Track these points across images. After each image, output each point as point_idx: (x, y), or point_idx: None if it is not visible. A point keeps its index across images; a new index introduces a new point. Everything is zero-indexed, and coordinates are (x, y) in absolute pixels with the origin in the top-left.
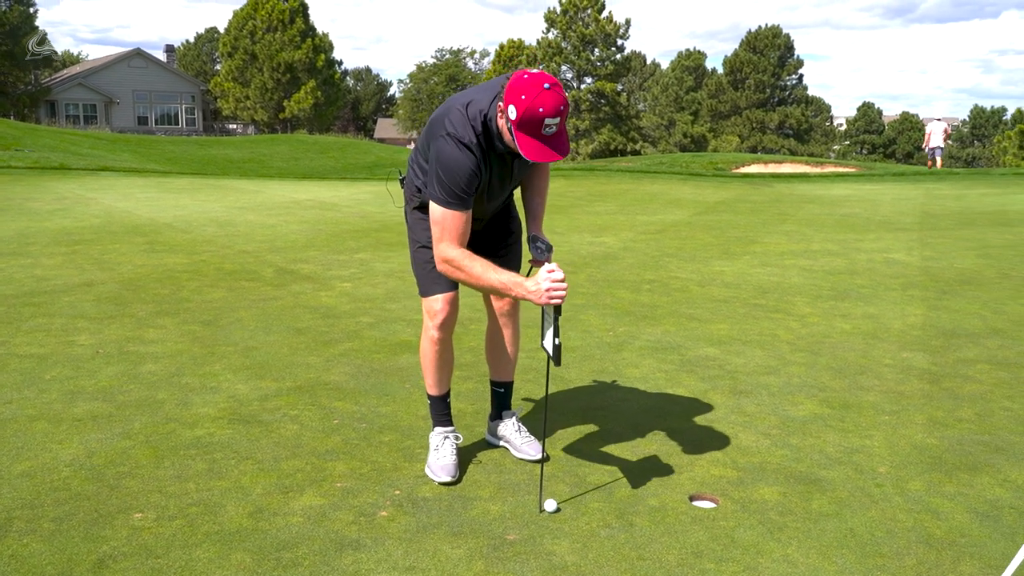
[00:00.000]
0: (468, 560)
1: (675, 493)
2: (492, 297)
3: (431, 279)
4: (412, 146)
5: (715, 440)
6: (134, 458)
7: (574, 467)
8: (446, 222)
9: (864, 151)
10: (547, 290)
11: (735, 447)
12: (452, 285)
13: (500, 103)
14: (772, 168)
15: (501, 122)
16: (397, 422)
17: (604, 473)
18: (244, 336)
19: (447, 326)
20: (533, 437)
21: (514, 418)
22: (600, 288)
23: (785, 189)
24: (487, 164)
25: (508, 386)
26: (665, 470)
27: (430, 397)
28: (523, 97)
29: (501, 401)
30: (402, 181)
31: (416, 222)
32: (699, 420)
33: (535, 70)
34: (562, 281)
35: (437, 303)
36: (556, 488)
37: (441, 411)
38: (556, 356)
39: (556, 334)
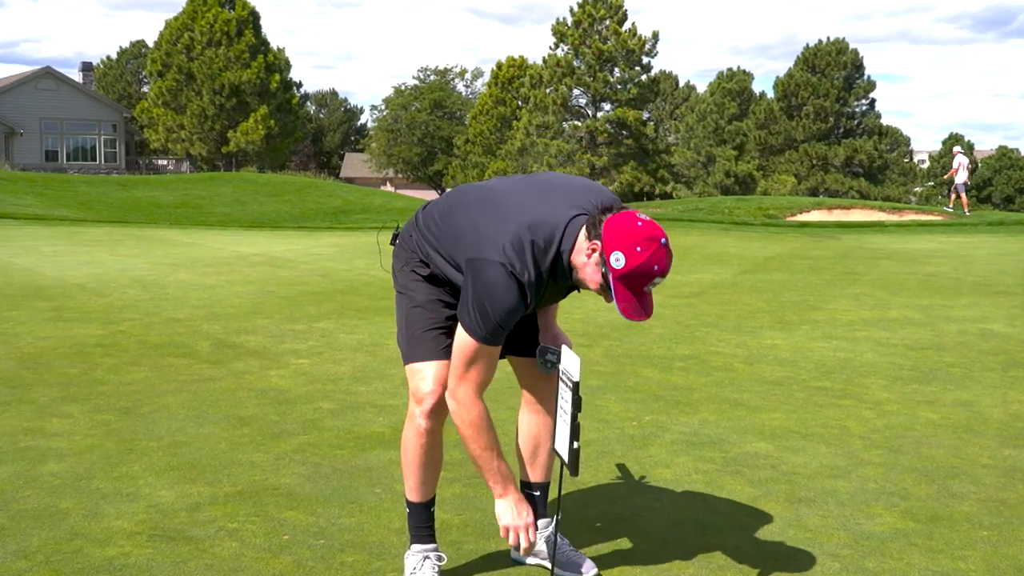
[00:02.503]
0: None
1: None
2: (525, 372)
3: (420, 342)
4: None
5: (768, 563)
6: None
7: None
8: (477, 357)
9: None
10: (507, 526)
11: (794, 572)
12: (447, 353)
13: (594, 242)
14: (837, 215)
15: (584, 259)
16: (363, 538)
17: None
18: (171, 428)
19: (438, 413)
20: (579, 551)
21: (552, 527)
22: (621, 366)
23: (854, 242)
24: (537, 296)
25: (545, 488)
26: None
27: (410, 505)
28: (638, 249)
29: (535, 507)
30: (394, 239)
31: (415, 282)
32: (747, 537)
33: (644, 216)
34: (517, 531)
35: (426, 382)
36: None
37: (422, 523)
38: (572, 463)
39: (575, 435)
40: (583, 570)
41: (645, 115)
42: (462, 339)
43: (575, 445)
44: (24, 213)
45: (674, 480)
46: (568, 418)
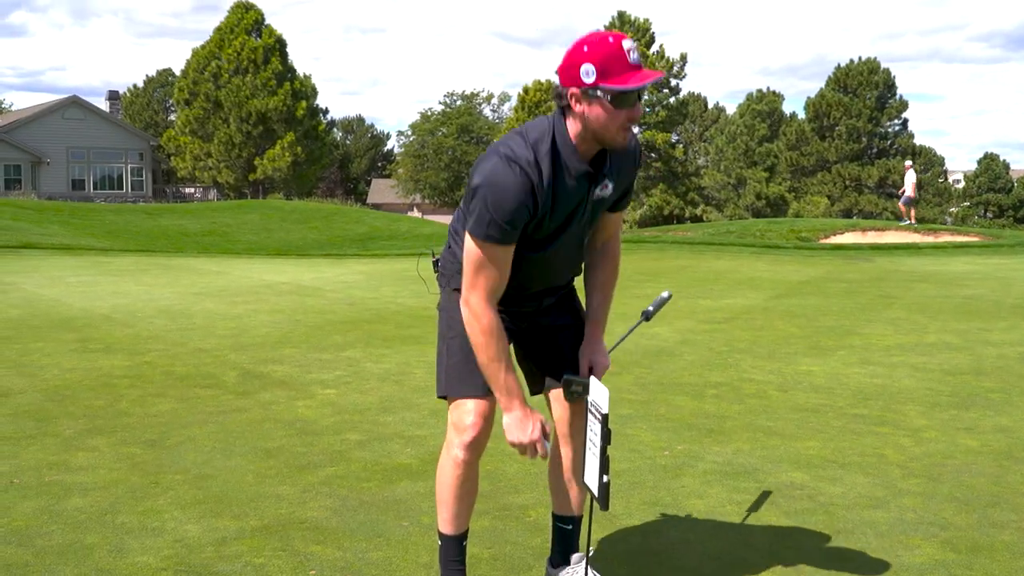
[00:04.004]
0: None
1: None
2: (558, 403)
3: (462, 377)
4: (414, 211)
5: None
6: None
7: None
8: (485, 261)
9: (989, 215)
10: (514, 442)
11: None
12: (487, 389)
13: (569, 95)
14: (872, 237)
15: (583, 112)
16: (391, 573)
17: None
18: (197, 460)
19: (478, 445)
20: None
21: (584, 562)
22: (652, 394)
23: (889, 264)
24: (549, 194)
25: (577, 522)
26: None
27: (442, 537)
28: (586, 49)
29: (568, 541)
30: (436, 263)
31: (456, 306)
32: (785, 571)
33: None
34: (524, 448)
35: (469, 415)
36: None
37: (454, 557)
38: (603, 497)
39: (604, 469)
40: None
41: (674, 137)
42: (468, 245)
43: (605, 479)
44: (50, 243)
45: (708, 512)
46: (597, 451)
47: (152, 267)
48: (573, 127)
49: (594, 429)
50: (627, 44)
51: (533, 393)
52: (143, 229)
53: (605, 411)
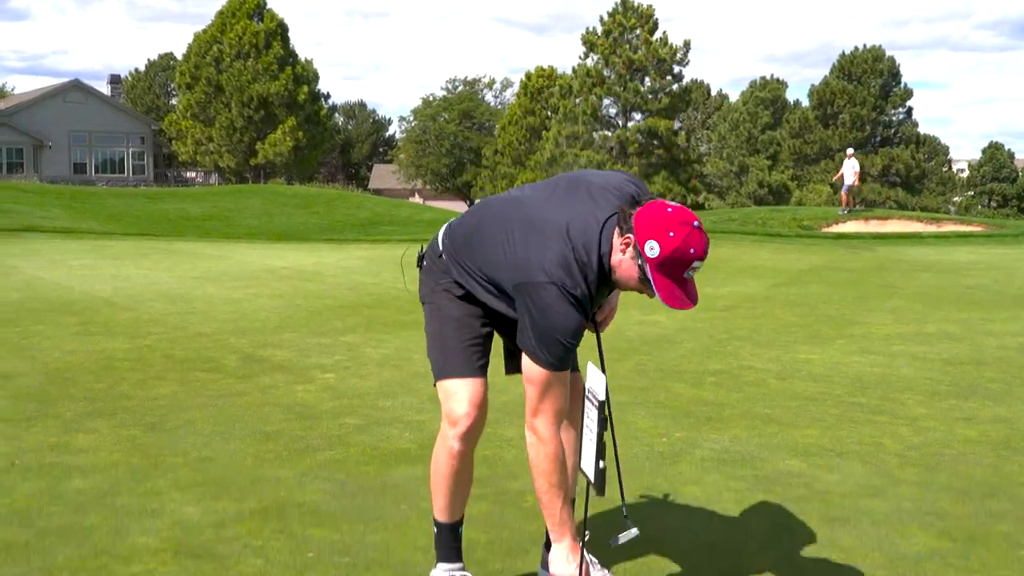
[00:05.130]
0: None
1: None
2: None
3: (456, 359)
4: (416, 197)
5: None
6: None
7: None
8: (550, 385)
9: (993, 204)
10: (557, 575)
11: None
12: (482, 371)
13: (627, 236)
14: (874, 226)
15: (620, 256)
16: (389, 556)
17: None
18: (197, 443)
19: (472, 435)
20: (608, 570)
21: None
22: (651, 381)
23: (891, 253)
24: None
25: (570, 507)
26: None
27: (437, 524)
28: (671, 235)
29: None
30: (420, 259)
31: (448, 301)
32: (781, 558)
33: (674, 203)
34: None
35: (461, 404)
36: None
37: (450, 543)
38: (599, 483)
39: (600, 455)
40: None
41: (676, 125)
42: (530, 369)
43: (600, 464)
44: (52, 226)
45: (705, 499)
46: (594, 436)
47: (153, 251)
48: (613, 250)
49: (591, 415)
50: (697, 264)
51: (508, 372)
52: (144, 213)
53: (602, 398)
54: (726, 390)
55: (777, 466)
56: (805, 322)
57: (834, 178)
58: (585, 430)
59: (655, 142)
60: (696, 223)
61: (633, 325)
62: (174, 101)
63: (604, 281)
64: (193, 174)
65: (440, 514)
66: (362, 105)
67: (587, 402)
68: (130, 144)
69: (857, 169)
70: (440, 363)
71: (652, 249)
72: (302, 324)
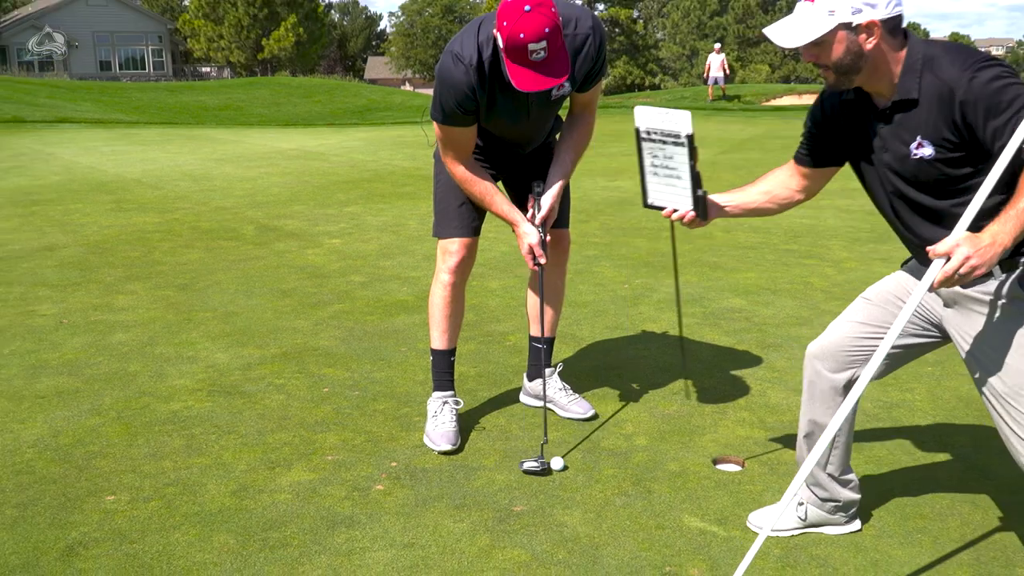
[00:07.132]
0: (471, 534)
1: (697, 457)
2: None
3: (450, 220)
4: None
5: (741, 399)
6: (105, 436)
7: (587, 431)
8: (447, 139)
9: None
10: (526, 253)
11: (763, 406)
12: (472, 231)
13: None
14: (806, 100)
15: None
16: (393, 389)
17: (619, 437)
18: (223, 300)
19: (461, 269)
20: (579, 395)
21: (555, 375)
22: (615, 237)
23: None
24: (489, 89)
25: (550, 343)
26: (686, 432)
27: (434, 352)
28: (505, 23)
29: (541, 359)
30: None
31: None
32: (723, 377)
33: None
34: (532, 250)
35: (453, 244)
36: (568, 455)
37: (443, 370)
38: (702, 208)
39: (697, 184)
40: (582, 411)
41: (635, 14)
42: (436, 128)
43: (699, 192)
44: (84, 117)
45: (661, 333)
46: (687, 170)
47: (176, 137)
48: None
49: (668, 153)
50: (534, 46)
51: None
52: (166, 104)
53: (689, 132)
54: (679, 243)
55: (722, 304)
56: (746, 183)
57: (706, 74)
58: (662, 169)
59: (617, 29)
60: (528, 7)
61: (598, 190)
62: (186, 2)
63: (496, 76)
64: (208, 69)
65: (436, 342)
66: (355, 2)
67: (666, 145)
68: (149, 43)
69: (724, 63)
70: (437, 222)
71: (499, 40)
72: (310, 197)
